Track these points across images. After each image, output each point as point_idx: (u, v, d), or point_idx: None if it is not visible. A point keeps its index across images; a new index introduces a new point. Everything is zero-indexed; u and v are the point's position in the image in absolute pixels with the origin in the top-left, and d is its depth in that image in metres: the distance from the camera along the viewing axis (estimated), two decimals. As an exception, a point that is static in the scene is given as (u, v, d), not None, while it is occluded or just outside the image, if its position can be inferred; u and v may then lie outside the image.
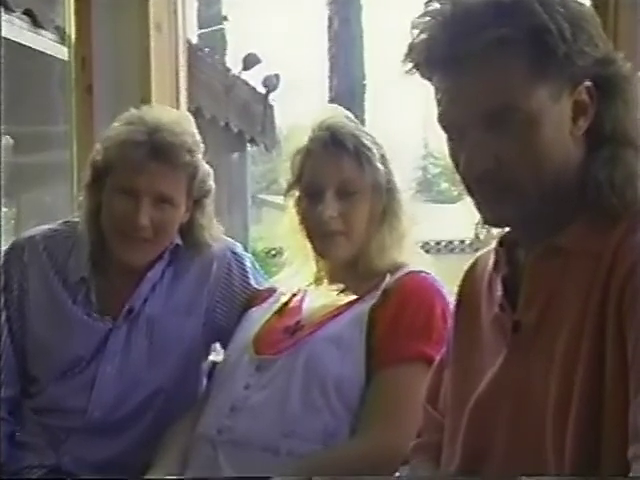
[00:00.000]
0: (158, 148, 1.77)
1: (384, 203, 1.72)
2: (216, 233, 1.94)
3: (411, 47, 1.13)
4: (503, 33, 1.06)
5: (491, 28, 1.06)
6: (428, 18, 1.11)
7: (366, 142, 1.70)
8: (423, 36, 1.11)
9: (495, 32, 1.06)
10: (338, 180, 1.69)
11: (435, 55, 1.11)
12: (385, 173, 1.72)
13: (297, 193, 1.77)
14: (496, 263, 1.24)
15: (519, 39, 1.07)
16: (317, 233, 1.72)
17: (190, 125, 1.87)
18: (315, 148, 1.72)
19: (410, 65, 1.14)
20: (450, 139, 1.16)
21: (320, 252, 1.75)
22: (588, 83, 1.12)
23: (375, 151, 1.71)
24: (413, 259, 1.74)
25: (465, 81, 1.10)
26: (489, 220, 1.18)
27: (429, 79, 1.15)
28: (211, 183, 1.90)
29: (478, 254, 1.33)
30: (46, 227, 1.97)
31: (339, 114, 1.76)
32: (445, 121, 1.15)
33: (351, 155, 1.69)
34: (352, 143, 1.69)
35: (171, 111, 1.93)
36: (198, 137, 1.86)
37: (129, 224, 1.79)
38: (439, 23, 1.10)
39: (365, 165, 1.69)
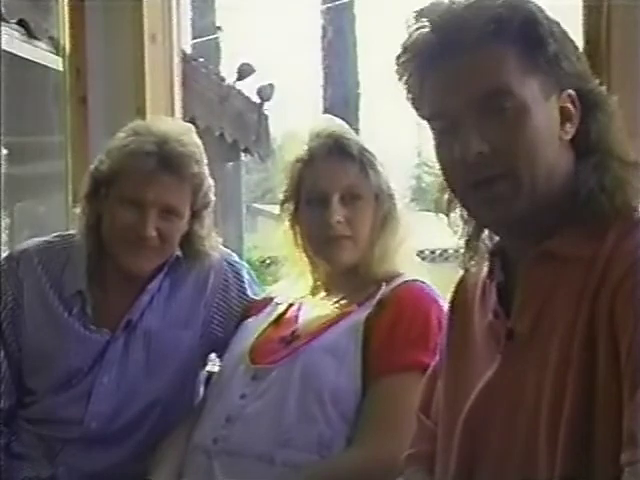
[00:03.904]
0: (167, 159, 1.77)
1: (386, 208, 1.73)
2: (215, 244, 1.93)
3: (409, 38, 1.14)
4: (499, 12, 1.09)
5: (487, 9, 1.09)
6: (425, 17, 1.13)
7: (369, 148, 1.72)
8: (422, 29, 1.13)
9: (491, 11, 1.09)
10: (343, 186, 1.70)
11: (433, 41, 1.12)
12: (387, 179, 1.74)
13: (293, 204, 1.77)
14: (490, 271, 1.24)
15: (513, 26, 1.09)
16: (323, 239, 1.72)
17: (196, 137, 1.87)
18: (318, 155, 1.73)
19: (407, 57, 1.14)
20: (441, 133, 1.15)
21: (327, 258, 1.74)
22: (572, 92, 1.14)
23: (377, 157, 1.73)
24: (409, 267, 1.75)
25: (460, 65, 1.11)
26: (484, 218, 1.18)
27: (421, 77, 1.15)
28: (212, 195, 1.89)
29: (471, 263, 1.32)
30: (39, 240, 1.96)
31: (337, 123, 1.77)
32: (438, 111, 1.15)
33: (355, 161, 1.71)
34: (356, 149, 1.71)
35: (176, 122, 1.92)
36: (202, 149, 1.86)
37: (135, 234, 1.78)
38: (437, 14, 1.12)
39: (369, 171, 1.71)
